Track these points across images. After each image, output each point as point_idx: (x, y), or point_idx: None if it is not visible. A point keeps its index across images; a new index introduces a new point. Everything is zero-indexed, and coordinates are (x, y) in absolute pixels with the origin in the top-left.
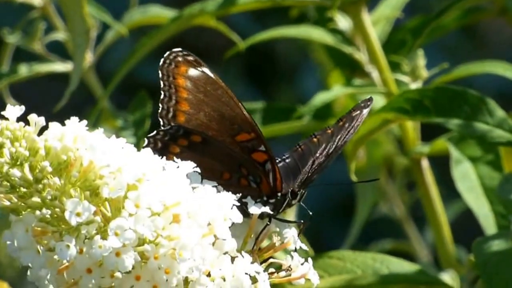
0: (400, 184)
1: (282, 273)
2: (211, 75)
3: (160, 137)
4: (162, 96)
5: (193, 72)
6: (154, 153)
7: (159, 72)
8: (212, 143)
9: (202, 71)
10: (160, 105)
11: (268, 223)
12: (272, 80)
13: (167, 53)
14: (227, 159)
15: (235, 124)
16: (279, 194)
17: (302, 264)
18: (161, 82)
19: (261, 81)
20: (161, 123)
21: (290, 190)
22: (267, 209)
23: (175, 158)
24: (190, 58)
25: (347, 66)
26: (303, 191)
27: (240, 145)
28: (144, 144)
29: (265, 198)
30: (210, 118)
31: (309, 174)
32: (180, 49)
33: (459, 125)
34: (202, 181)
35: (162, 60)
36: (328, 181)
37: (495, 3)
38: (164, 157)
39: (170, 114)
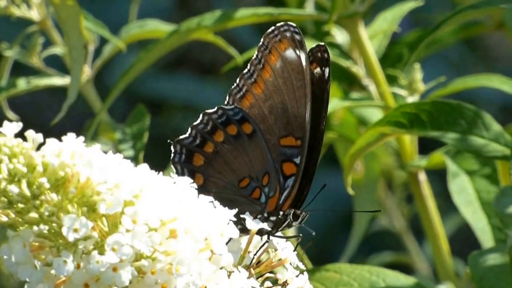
0: (400, 197)
1: None
2: (304, 63)
3: (216, 117)
4: (245, 71)
5: (290, 53)
6: (200, 138)
7: (261, 39)
8: (258, 139)
9: (299, 56)
10: (237, 80)
11: (268, 240)
12: None
13: (280, 24)
14: (260, 162)
15: (290, 125)
16: (281, 212)
17: (297, 276)
18: (255, 53)
19: None
20: (226, 100)
21: (292, 212)
22: (265, 226)
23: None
24: (297, 37)
25: (344, 80)
26: (305, 214)
27: (280, 150)
28: (199, 120)
29: (265, 215)
30: (271, 110)
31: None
32: (294, 24)
33: (455, 139)
34: (198, 196)
35: (271, 28)
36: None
37: (492, 17)
38: (202, 148)
39: (240, 94)
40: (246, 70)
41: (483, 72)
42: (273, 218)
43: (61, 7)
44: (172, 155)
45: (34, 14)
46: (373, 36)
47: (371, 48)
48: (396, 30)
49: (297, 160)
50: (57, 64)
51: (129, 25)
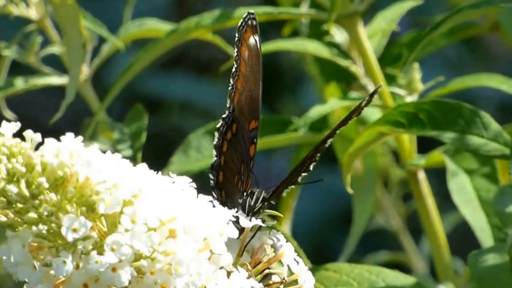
0: (396, 196)
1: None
2: (259, 45)
3: (221, 128)
4: (232, 69)
5: (251, 40)
6: (217, 154)
7: (236, 34)
8: (239, 134)
9: (256, 40)
10: (230, 80)
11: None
12: (275, 92)
13: (245, 14)
14: (240, 154)
15: (255, 109)
16: (245, 193)
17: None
18: (235, 49)
19: (264, 94)
20: (227, 104)
21: (263, 191)
22: (258, 222)
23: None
24: (254, 22)
25: (343, 79)
26: (259, 191)
27: (249, 135)
28: (215, 137)
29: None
30: (246, 100)
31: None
32: (253, 11)
33: (454, 139)
34: (197, 196)
35: (240, 21)
36: (325, 192)
37: (487, 19)
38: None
39: (232, 93)
40: (233, 69)
41: (480, 72)
42: (240, 201)
43: (60, 6)
44: (211, 181)
45: (32, 13)
46: (372, 36)
47: (370, 48)
48: (395, 29)
49: (255, 140)
50: (55, 63)
51: (127, 24)
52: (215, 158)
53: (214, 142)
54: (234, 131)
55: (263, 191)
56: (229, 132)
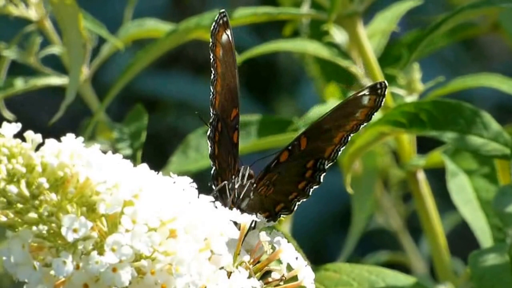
0: (396, 196)
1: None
2: (230, 38)
3: (211, 136)
4: (211, 76)
5: (224, 37)
6: (212, 162)
7: (210, 39)
8: (224, 130)
9: (228, 35)
10: (210, 88)
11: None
12: (273, 92)
13: (217, 14)
14: (225, 147)
15: (234, 99)
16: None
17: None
18: (210, 55)
19: (262, 94)
20: (210, 112)
21: (248, 167)
22: (254, 218)
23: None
24: (225, 19)
25: (343, 79)
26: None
27: (231, 124)
28: (209, 149)
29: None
30: (225, 96)
31: None
32: (223, 10)
33: (454, 139)
34: (198, 196)
35: (212, 24)
36: (324, 192)
37: (487, 19)
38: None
39: (213, 99)
40: (211, 76)
41: (478, 72)
42: (230, 185)
43: (60, 6)
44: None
45: (32, 13)
46: (372, 36)
47: (370, 48)
48: (395, 29)
49: (237, 126)
50: (55, 64)
51: (127, 24)
52: (213, 167)
53: (209, 152)
54: (220, 129)
55: (248, 167)
56: (216, 134)
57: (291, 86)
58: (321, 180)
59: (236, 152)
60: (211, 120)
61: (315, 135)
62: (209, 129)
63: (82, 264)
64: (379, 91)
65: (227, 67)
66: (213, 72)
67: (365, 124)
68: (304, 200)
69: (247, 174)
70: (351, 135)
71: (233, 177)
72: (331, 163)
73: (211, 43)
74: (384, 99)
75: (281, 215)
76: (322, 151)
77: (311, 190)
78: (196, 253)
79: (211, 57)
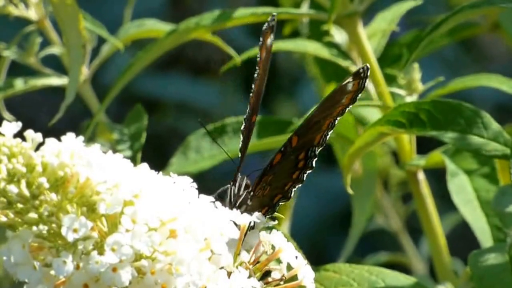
0: (396, 197)
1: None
2: (271, 44)
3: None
4: (255, 74)
5: (269, 41)
6: None
7: (260, 38)
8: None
9: (271, 40)
10: (252, 85)
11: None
12: (273, 93)
13: (270, 16)
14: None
15: (257, 104)
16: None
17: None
18: (258, 53)
19: None
20: (247, 109)
21: (245, 177)
22: (254, 218)
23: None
24: (273, 23)
25: (342, 80)
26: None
27: (251, 126)
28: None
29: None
30: (255, 97)
31: None
32: (275, 13)
33: (454, 139)
34: (199, 196)
35: (265, 24)
36: (324, 193)
37: (487, 19)
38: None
39: (251, 97)
40: (255, 74)
41: (478, 72)
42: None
43: (60, 7)
44: None
45: (32, 13)
46: (372, 36)
47: (369, 48)
48: (395, 29)
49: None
50: (55, 64)
51: (127, 24)
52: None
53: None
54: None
55: (245, 178)
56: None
57: (291, 86)
58: (313, 165)
59: (241, 158)
60: (244, 116)
61: (305, 130)
62: (243, 125)
63: (82, 264)
64: (362, 74)
65: (264, 71)
66: (257, 70)
67: (350, 107)
68: (300, 185)
69: (243, 185)
70: (338, 119)
71: (231, 183)
72: (321, 148)
73: (261, 42)
74: (367, 81)
75: (280, 203)
76: (313, 141)
77: (305, 175)
78: (196, 253)
79: (257, 55)
